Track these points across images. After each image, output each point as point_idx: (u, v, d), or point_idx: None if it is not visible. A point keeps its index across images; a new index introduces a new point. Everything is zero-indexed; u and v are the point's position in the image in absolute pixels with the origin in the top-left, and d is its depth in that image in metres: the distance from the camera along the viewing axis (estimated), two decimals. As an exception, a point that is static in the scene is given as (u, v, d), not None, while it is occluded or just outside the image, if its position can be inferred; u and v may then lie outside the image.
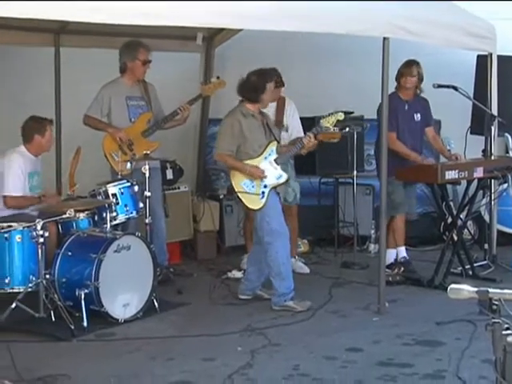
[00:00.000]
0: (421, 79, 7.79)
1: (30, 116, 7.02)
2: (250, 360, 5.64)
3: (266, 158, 6.89)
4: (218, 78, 7.92)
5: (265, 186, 6.83)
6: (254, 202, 6.83)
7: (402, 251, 7.91)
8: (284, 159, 7.00)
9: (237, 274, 7.94)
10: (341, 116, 7.04)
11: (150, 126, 7.68)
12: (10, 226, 6.47)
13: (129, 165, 7.22)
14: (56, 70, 8.38)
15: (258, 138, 6.90)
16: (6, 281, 6.43)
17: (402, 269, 7.78)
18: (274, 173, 6.89)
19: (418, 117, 7.88)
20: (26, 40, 8.05)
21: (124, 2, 5.35)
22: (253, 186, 6.81)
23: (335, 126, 7.06)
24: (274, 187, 6.90)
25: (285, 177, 6.96)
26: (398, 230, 7.88)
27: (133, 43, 7.60)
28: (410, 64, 7.72)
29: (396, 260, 7.89)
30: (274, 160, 6.90)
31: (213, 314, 6.88)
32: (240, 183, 6.83)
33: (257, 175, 6.80)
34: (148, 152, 7.25)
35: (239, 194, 6.83)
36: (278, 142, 7.03)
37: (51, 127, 7.06)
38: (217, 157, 7.06)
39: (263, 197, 6.82)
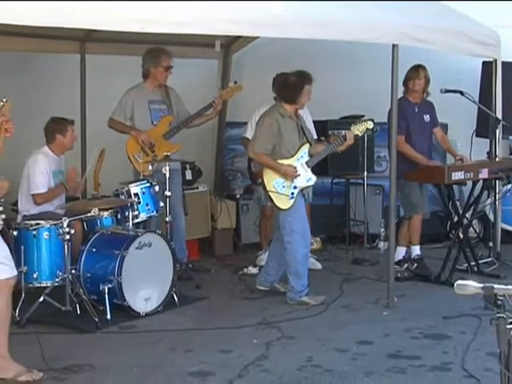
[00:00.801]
0: (427, 82, 7.78)
1: (51, 117, 7.06)
2: (265, 352, 5.65)
3: (298, 159, 6.83)
4: (235, 82, 7.91)
5: (294, 187, 6.77)
6: (283, 202, 6.78)
7: (417, 249, 7.86)
8: (315, 162, 6.92)
9: (252, 270, 7.94)
10: (370, 125, 7.04)
11: (171, 129, 7.69)
12: (38, 224, 6.50)
13: (150, 166, 7.24)
14: (82, 76, 8.41)
15: (292, 139, 6.82)
16: (34, 276, 6.44)
17: (416, 265, 7.76)
18: (304, 175, 6.83)
19: (427, 118, 7.87)
20: (53, 48, 8.08)
21: (149, 12, 5.37)
22: (283, 187, 6.76)
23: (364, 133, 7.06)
24: (302, 189, 6.87)
25: (314, 179, 6.92)
26: (414, 230, 7.84)
27: (156, 50, 7.61)
28: (417, 68, 7.70)
29: (405, 257, 7.87)
30: (306, 162, 6.86)
31: (230, 307, 6.89)
32: (272, 182, 6.76)
33: (291, 175, 6.73)
34: (168, 154, 7.28)
35: (270, 194, 6.77)
36: (311, 145, 6.97)
37: (72, 127, 7.08)
38: (252, 154, 6.96)
39: (292, 198, 6.77)
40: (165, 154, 7.30)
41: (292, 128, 6.85)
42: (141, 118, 7.65)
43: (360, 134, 7.09)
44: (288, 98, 6.85)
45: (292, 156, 6.82)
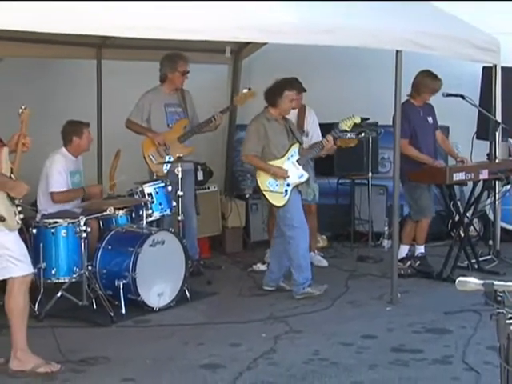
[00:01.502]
0: None
1: (67, 121, 7.06)
2: (273, 345, 5.65)
3: (288, 158, 6.89)
4: (249, 89, 7.84)
5: (287, 185, 6.83)
6: (277, 200, 6.83)
7: (421, 248, 7.87)
8: (305, 160, 7.00)
9: (261, 266, 7.93)
10: (357, 119, 7.07)
11: (186, 132, 7.69)
12: (56, 222, 6.51)
13: (165, 166, 7.23)
14: (98, 80, 8.42)
15: (281, 141, 6.90)
16: (53, 272, 6.46)
17: (418, 262, 7.74)
18: (296, 172, 6.89)
19: (430, 120, 7.85)
20: (71, 54, 8.08)
21: (163, 20, 5.37)
22: (277, 185, 6.82)
23: (352, 129, 7.07)
24: (296, 186, 6.90)
25: (306, 176, 6.96)
26: (422, 232, 7.83)
27: (173, 55, 7.62)
28: (439, 83, 7.65)
29: (408, 254, 7.86)
30: (297, 161, 6.91)
31: (239, 303, 6.89)
32: (265, 182, 6.83)
33: (280, 175, 6.80)
34: (181, 155, 7.27)
35: (264, 193, 6.85)
36: (301, 144, 7.03)
37: (88, 129, 7.08)
38: (244, 158, 7.06)
39: (286, 195, 6.82)
40: (177, 155, 7.31)
41: (279, 130, 6.93)
42: (157, 120, 7.66)
43: (348, 129, 7.10)
44: (270, 102, 6.92)
45: (282, 156, 6.88)
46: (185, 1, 5.58)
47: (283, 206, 6.83)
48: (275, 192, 6.82)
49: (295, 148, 6.94)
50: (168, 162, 7.24)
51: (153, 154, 7.54)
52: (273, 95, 6.89)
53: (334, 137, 7.02)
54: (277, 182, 6.82)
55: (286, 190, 6.82)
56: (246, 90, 7.87)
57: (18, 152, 5.06)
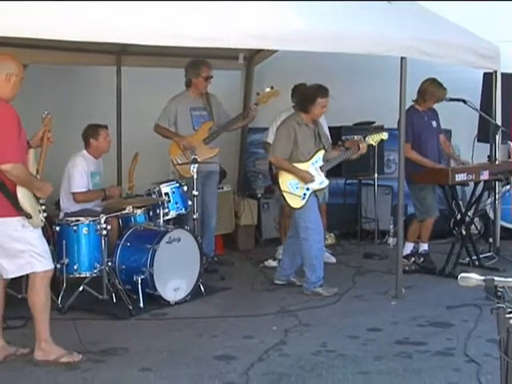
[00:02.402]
0: None
1: (87, 124, 7.09)
2: (283, 338, 5.64)
3: (313, 164, 6.83)
4: (272, 87, 7.75)
5: (307, 189, 6.77)
6: (295, 202, 6.79)
7: (425, 246, 7.85)
8: (329, 167, 6.92)
9: (272, 263, 7.92)
10: (385, 136, 7.06)
11: (211, 134, 7.69)
12: (78, 220, 6.52)
13: (192, 168, 7.16)
14: (118, 86, 8.44)
15: (308, 146, 6.83)
16: (75, 267, 6.46)
17: (422, 259, 7.73)
18: (318, 179, 6.82)
19: (434, 124, 7.83)
20: (92, 61, 8.10)
21: (179, 28, 5.38)
22: (297, 188, 6.76)
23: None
24: (315, 191, 6.87)
25: (326, 183, 6.92)
26: (426, 230, 7.80)
27: (197, 62, 7.62)
28: (444, 92, 7.64)
29: (412, 251, 7.84)
30: (320, 167, 6.86)
31: (251, 297, 6.88)
32: (286, 183, 6.78)
33: (307, 179, 6.74)
34: (196, 157, 7.25)
35: (284, 193, 6.78)
36: (326, 151, 6.96)
37: (104, 131, 7.07)
38: (273, 159, 6.93)
39: (304, 198, 6.77)
40: (193, 157, 7.28)
41: (308, 135, 6.84)
42: (183, 123, 7.66)
43: (374, 144, 7.09)
44: (303, 108, 6.86)
45: (307, 161, 6.82)
46: (199, 11, 5.59)
47: (300, 208, 6.80)
48: (294, 194, 6.76)
49: (320, 154, 6.86)
50: (187, 163, 7.23)
51: (179, 157, 7.55)
52: (305, 102, 6.83)
53: (359, 147, 6.93)
54: (297, 185, 6.76)
55: (305, 194, 6.77)
56: (268, 89, 7.75)
57: (43, 149, 5.08)
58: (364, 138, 7.09)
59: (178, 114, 7.63)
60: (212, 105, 7.76)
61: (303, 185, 6.77)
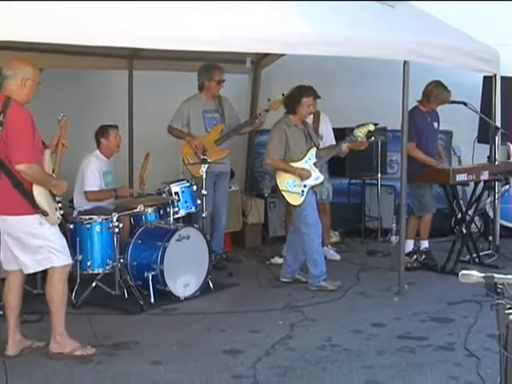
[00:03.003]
0: None
1: (99, 126, 7.11)
2: (289, 332, 5.65)
3: (306, 161, 6.87)
4: (283, 95, 7.61)
5: (304, 186, 6.81)
6: (294, 199, 6.82)
7: (425, 243, 7.85)
8: (321, 163, 6.98)
9: (279, 260, 7.92)
10: (371, 127, 7.04)
11: (222, 136, 7.69)
12: (91, 219, 6.54)
13: (203, 167, 7.16)
14: (129, 89, 8.44)
15: (299, 145, 6.87)
16: (88, 264, 6.49)
17: (424, 256, 7.73)
18: (313, 175, 6.86)
19: (435, 125, 7.84)
20: (105, 65, 8.12)
21: (188, 32, 5.39)
22: (294, 186, 6.80)
23: (366, 135, 7.05)
24: (312, 187, 6.88)
25: (321, 178, 6.95)
26: (425, 227, 7.81)
27: (210, 66, 7.62)
28: (449, 94, 7.65)
29: (414, 249, 7.84)
30: (314, 164, 6.89)
31: (258, 293, 6.88)
32: (284, 182, 6.81)
33: (304, 176, 6.78)
34: (206, 157, 7.24)
35: (282, 192, 6.83)
36: (318, 148, 7.00)
37: (114, 131, 7.08)
38: (269, 160, 6.96)
39: (302, 195, 6.81)
40: (203, 157, 7.28)
41: (298, 135, 6.89)
42: (195, 125, 7.65)
43: (362, 136, 7.07)
44: (290, 110, 6.91)
45: (301, 159, 6.86)
46: (209, 16, 5.60)
47: (299, 205, 6.82)
48: (293, 192, 6.81)
49: (312, 152, 6.92)
50: (197, 163, 7.24)
51: (190, 156, 7.56)
52: (291, 103, 6.88)
53: (348, 142, 6.98)
54: (295, 183, 6.80)
55: (303, 191, 6.81)
56: (279, 97, 7.63)
57: (58, 152, 5.11)
58: (352, 131, 7.10)
59: (190, 115, 7.63)
60: (224, 107, 7.77)
61: (300, 182, 6.80)
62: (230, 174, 8.11)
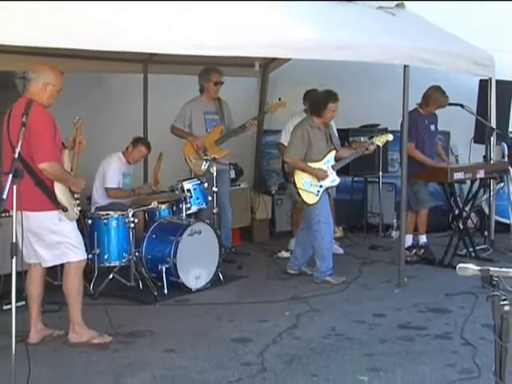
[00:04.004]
0: None
1: (136, 138, 7.21)
2: (295, 322, 5.65)
3: (325, 163, 6.84)
4: (279, 99, 7.83)
5: (320, 187, 6.78)
6: (309, 198, 6.79)
7: (424, 238, 7.82)
8: (339, 167, 6.92)
9: (285, 254, 7.92)
10: (390, 137, 7.06)
11: (222, 136, 7.71)
12: (108, 214, 6.56)
13: (203, 166, 7.21)
14: (144, 92, 8.46)
15: (320, 146, 6.84)
16: (105, 257, 6.50)
17: (423, 251, 7.72)
18: (330, 177, 6.84)
19: (433, 127, 7.83)
20: (121, 69, 8.12)
21: (200, 38, 5.39)
22: (311, 185, 6.77)
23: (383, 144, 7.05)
24: (327, 188, 6.87)
25: (337, 181, 6.93)
26: (422, 222, 7.79)
27: (208, 68, 7.63)
28: (446, 99, 7.65)
29: (413, 243, 7.83)
30: (332, 166, 6.86)
31: (266, 285, 6.88)
32: (301, 181, 6.79)
33: (321, 176, 6.76)
34: (216, 156, 7.27)
35: (299, 190, 6.80)
36: (337, 151, 6.97)
37: (143, 147, 7.17)
38: (289, 160, 6.94)
39: (318, 195, 6.78)
40: (212, 156, 7.32)
41: (320, 137, 6.85)
42: (197, 125, 7.67)
43: (381, 145, 7.08)
44: (315, 112, 6.86)
45: (320, 160, 6.82)
46: (220, 22, 5.61)
47: (314, 204, 6.80)
48: (309, 191, 6.77)
49: (332, 154, 6.87)
50: (206, 162, 7.26)
51: (192, 155, 7.58)
52: (318, 106, 6.83)
53: (366, 148, 6.96)
54: (312, 183, 6.77)
55: (318, 191, 6.78)
56: (277, 100, 7.85)
57: (76, 150, 5.11)
58: (370, 138, 7.09)
59: (192, 116, 7.65)
60: (224, 110, 7.77)
61: (317, 182, 6.77)
62: (229, 172, 8.09)
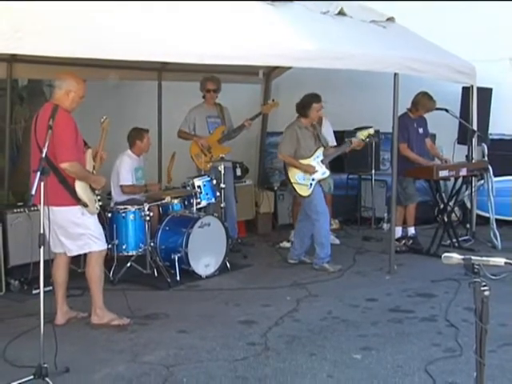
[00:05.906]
0: None
1: (132, 128, 7.13)
2: (295, 306, 5.67)
3: (314, 159, 6.88)
4: (273, 100, 7.95)
5: (312, 179, 6.82)
6: (303, 191, 6.83)
7: (412, 229, 7.82)
8: (328, 160, 6.98)
9: (286, 244, 7.92)
10: (372, 131, 7.08)
11: (224, 135, 7.74)
12: (126, 208, 6.57)
13: (208, 164, 7.20)
14: (158, 98, 8.45)
15: (309, 145, 6.88)
16: (124, 247, 6.52)
17: (411, 241, 7.73)
18: (320, 170, 6.87)
19: (421, 130, 7.82)
20: (137, 76, 8.10)
21: (207, 48, 5.39)
22: (303, 179, 6.81)
23: (366, 137, 7.05)
24: (319, 181, 6.89)
25: (328, 173, 6.97)
26: (410, 215, 7.80)
27: (204, 78, 7.70)
28: (434, 104, 7.66)
29: (402, 235, 7.84)
30: (321, 161, 6.90)
31: (269, 273, 6.89)
32: (294, 176, 6.83)
33: (310, 171, 6.80)
34: (223, 156, 7.30)
35: (293, 184, 6.84)
36: (325, 148, 7.01)
37: (147, 134, 7.12)
38: (281, 156, 6.99)
39: (310, 187, 6.81)
40: (220, 155, 7.36)
41: (308, 136, 6.91)
42: (201, 128, 7.70)
43: (364, 138, 7.07)
44: (302, 114, 6.91)
45: (309, 157, 6.87)
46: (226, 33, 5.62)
47: (308, 196, 6.82)
48: (302, 184, 6.82)
49: (320, 151, 6.92)
50: (212, 161, 7.27)
51: (198, 154, 7.60)
52: (303, 108, 6.87)
53: (351, 142, 7.00)
54: (304, 177, 6.81)
55: (311, 184, 6.81)
56: (270, 101, 8.00)
57: (97, 163, 5.12)
58: (355, 133, 7.14)
59: (196, 121, 7.71)
60: (224, 115, 7.82)
61: (309, 176, 6.81)
62: (233, 168, 8.08)
